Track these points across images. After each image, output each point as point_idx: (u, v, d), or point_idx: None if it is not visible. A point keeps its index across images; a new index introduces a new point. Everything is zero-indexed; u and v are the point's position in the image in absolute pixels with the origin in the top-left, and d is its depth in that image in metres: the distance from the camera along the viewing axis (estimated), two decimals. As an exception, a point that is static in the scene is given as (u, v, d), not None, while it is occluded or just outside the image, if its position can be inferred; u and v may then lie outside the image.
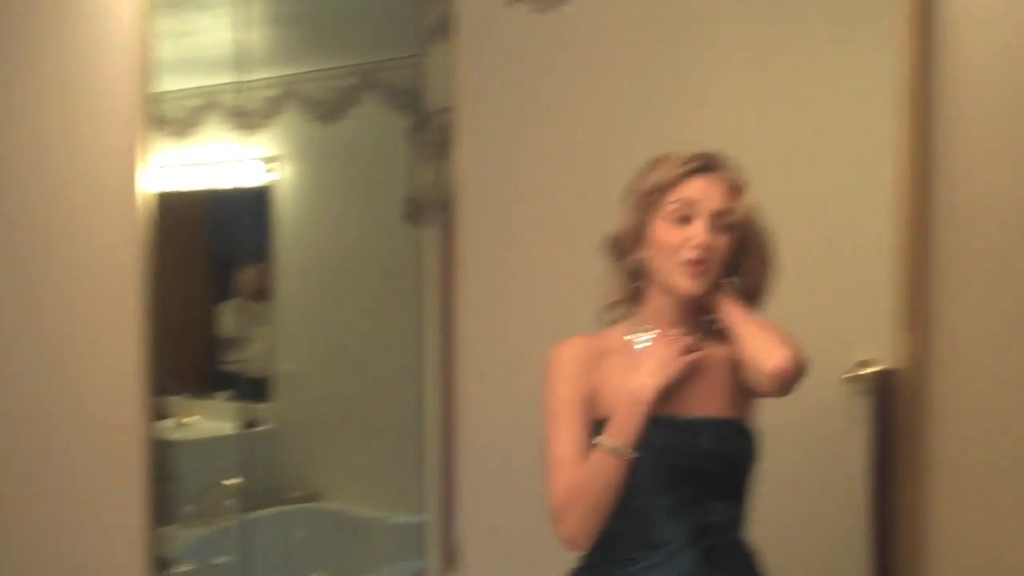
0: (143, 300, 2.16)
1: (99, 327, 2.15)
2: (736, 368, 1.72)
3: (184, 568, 2.67)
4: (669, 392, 1.69)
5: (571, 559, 1.72)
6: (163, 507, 2.47)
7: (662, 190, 1.71)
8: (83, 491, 2.14)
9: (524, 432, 1.84)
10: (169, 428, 2.60)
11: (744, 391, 1.73)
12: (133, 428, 2.09)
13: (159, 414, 2.43)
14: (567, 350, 1.78)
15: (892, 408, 1.96)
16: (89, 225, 2.14)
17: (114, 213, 2.13)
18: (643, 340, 1.75)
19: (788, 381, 1.63)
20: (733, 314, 1.71)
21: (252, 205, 3.11)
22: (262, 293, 3.14)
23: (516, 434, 2.23)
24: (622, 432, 1.67)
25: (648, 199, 1.73)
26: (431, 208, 2.69)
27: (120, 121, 2.16)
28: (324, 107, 2.98)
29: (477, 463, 2.37)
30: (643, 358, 1.72)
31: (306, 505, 3.07)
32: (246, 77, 2.85)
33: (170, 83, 2.52)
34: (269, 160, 3.12)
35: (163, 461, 2.44)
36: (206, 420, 2.96)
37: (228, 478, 2.87)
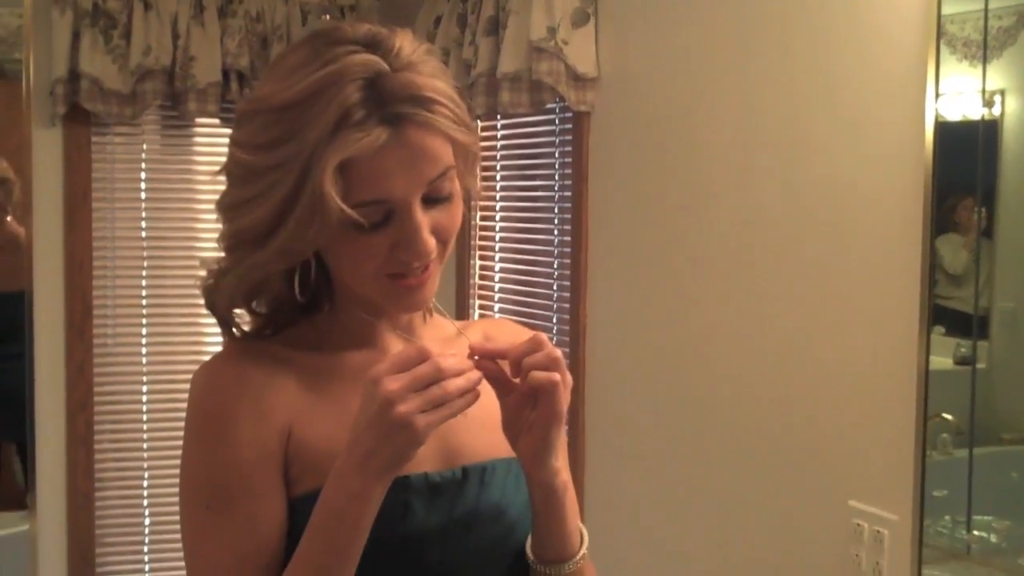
0: (923, 229, 2.24)
1: (879, 254, 2.23)
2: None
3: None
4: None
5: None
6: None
7: (318, 173, 1.10)
8: (851, 424, 2.26)
9: None
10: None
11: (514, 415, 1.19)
12: (907, 360, 2.15)
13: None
14: (220, 377, 1.21)
15: None
16: (872, 153, 2.21)
17: (898, 143, 2.20)
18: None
19: None
20: (559, 465, 1.20)
21: (978, 139, 3.02)
22: (984, 230, 3.06)
23: None
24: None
25: (298, 176, 1.12)
26: None
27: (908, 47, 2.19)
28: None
29: None
30: (368, 400, 1.07)
31: (1021, 447, 2.97)
32: (977, 7, 2.77)
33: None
34: (994, 92, 3.00)
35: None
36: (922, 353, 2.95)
37: (942, 412, 2.88)
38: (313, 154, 1.10)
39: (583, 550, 1.27)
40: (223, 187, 1.23)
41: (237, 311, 1.28)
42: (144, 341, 3.73)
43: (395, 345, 1.29)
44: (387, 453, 1.07)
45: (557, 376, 1.14)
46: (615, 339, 2.99)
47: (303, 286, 1.23)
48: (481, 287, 3.70)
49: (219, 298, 1.25)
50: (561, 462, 1.21)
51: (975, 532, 2.61)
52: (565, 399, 1.15)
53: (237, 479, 1.17)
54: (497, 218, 3.61)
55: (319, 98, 1.11)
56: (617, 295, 2.97)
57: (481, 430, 1.26)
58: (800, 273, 2.34)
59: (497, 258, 3.60)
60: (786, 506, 2.37)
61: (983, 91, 2.90)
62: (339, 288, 1.27)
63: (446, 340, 1.32)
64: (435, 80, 1.15)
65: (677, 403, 2.73)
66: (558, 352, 1.16)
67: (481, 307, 3.70)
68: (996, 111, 2.81)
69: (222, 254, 1.23)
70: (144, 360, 3.72)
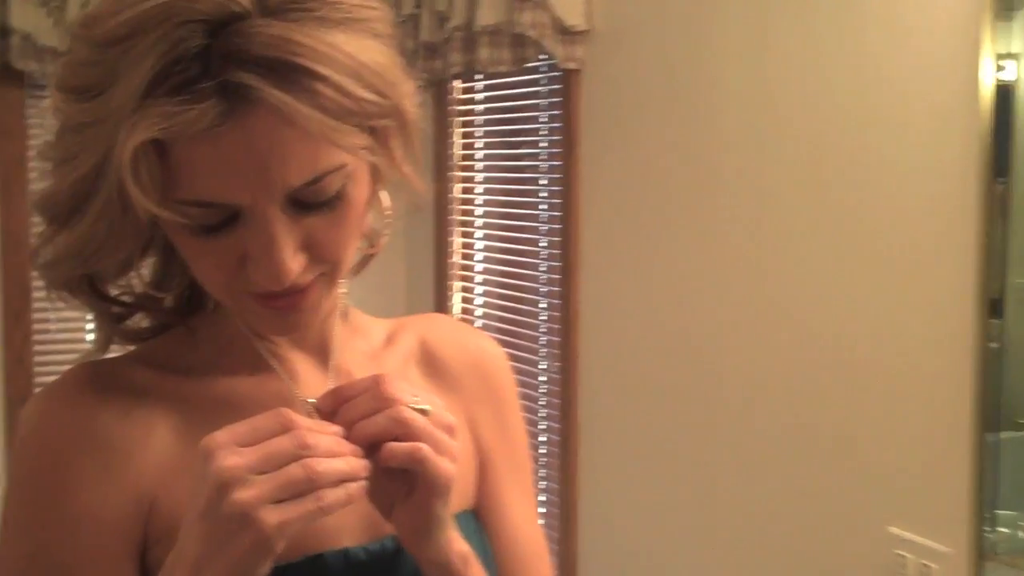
0: (980, 198, 1.95)
1: (927, 234, 1.99)
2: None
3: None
4: None
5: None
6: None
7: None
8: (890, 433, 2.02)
9: None
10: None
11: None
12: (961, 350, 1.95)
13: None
14: (55, 419, 0.89)
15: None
16: (924, 120, 1.97)
17: (951, 109, 1.95)
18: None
19: None
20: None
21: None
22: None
23: None
24: None
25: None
26: None
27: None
28: None
29: None
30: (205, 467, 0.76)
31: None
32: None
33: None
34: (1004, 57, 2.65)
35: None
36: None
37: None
38: (117, 123, 0.76)
39: None
40: None
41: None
42: (90, 327, 3.37)
43: (303, 366, 0.96)
44: (224, 562, 0.74)
45: (421, 448, 0.82)
46: (612, 328, 2.75)
47: (161, 275, 0.93)
48: (462, 267, 3.38)
49: (55, 275, 0.90)
50: (451, 530, 0.88)
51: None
52: (441, 465, 0.83)
53: (70, 560, 0.86)
54: (478, 191, 3.31)
55: (141, 39, 0.75)
56: (614, 277, 2.74)
57: None
58: (828, 256, 2.12)
59: (479, 235, 3.28)
60: (809, 531, 2.17)
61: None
62: None
63: (373, 355, 1.00)
64: (329, 37, 0.77)
65: (682, 403, 2.51)
66: (402, 411, 0.82)
67: (463, 290, 3.38)
68: (1009, 76, 2.47)
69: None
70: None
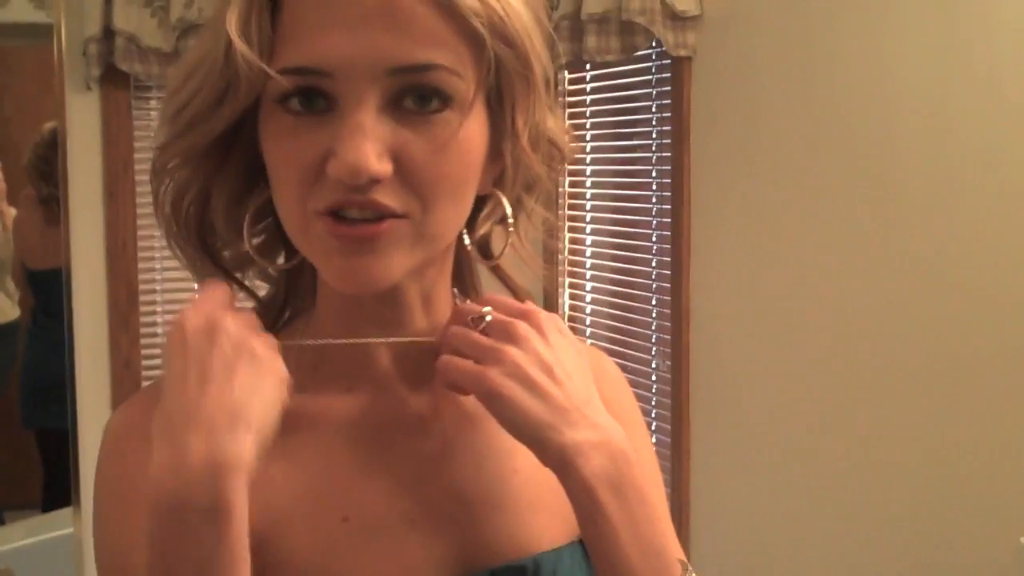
0: None
1: None
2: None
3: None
4: None
5: None
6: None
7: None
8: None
9: None
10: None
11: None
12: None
13: None
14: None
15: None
16: None
17: None
18: None
19: None
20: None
21: None
22: None
23: None
24: None
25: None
26: None
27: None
28: None
29: None
30: None
31: None
32: None
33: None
34: None
35: None
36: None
37: None
38: None
39: None
40: None
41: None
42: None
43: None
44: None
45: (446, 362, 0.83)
46: (725, 324, 2.63)
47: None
48: (572, 264, 3.28)
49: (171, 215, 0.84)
50: (574, 434, 0.79)
51: None
52: (471, 373, 0.80)
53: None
54: (588, 184, 3.20)
55: None
56: (726, 272, 2.62)
57: (522, 515, 0.86)
58: (959, 250, 2.00)
59: (588, 230, 3.18)
60: (935, 540, 2.04)
61: None
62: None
63: None
64: None
65: (799, 403, 2.39)
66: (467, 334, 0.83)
67: (572, 287, 3.28)
68: None
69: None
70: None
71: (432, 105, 0.74)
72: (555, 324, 0.85)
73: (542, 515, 0.86)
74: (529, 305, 0.85)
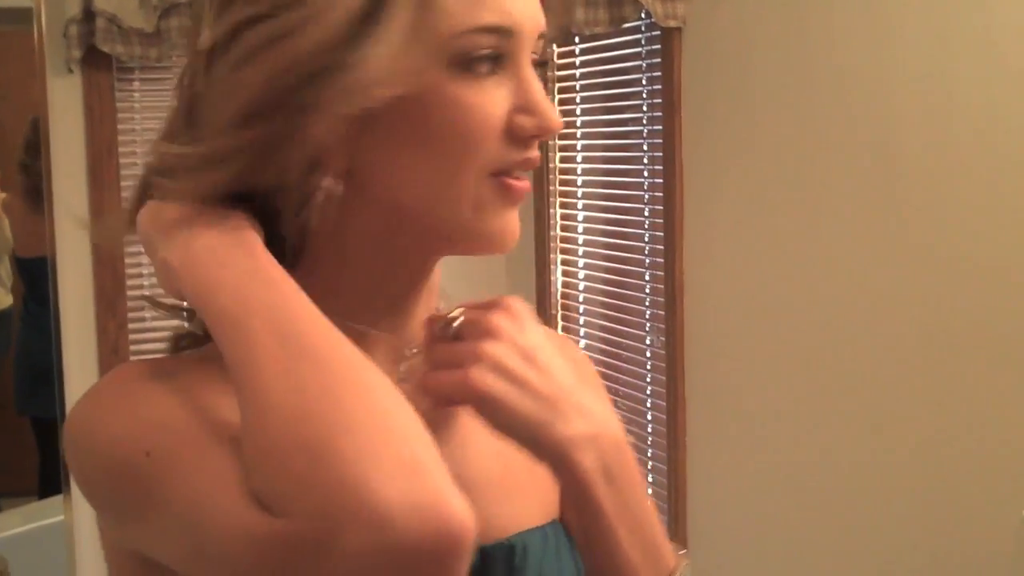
0: None
1: None
2: None
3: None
4: None
5: None
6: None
7: None
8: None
9: None
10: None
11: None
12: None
13: None
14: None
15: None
16: None
17: None
18: None
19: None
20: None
21: None
22: None
23: None
24: None
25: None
26: None
27: None
28: None
29: None
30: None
31: None
32: None
33: None
34: None
35: None
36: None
37: None
38: None
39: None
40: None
41: None
42: (186, 315, 3.31)
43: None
44: None
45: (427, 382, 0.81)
46: (719, 300, 2.62)
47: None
48: (563, 240, 3.25)
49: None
50: (567, 428, 0.79)
51: None
52: (453, 382, 0.79)
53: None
54: (579, 159, 3.18)
55: None
56: (720, 247, 2.60)
57: (505, 496, 0.88)
58: (955, 232, 1.98)
59: (580, 206, 3.15)
60: (937, 516, 2.04)
61: None
62: (329, 259, 0.83)
63: None
64: None
65: (798, 380, 2.37)
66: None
67: (564, 263, 3.25)
68: None
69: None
70: (186, 335, 3.33)
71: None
72: (526, 310, 0.84)
73: (523, 495, 0.88)
74: (497, 297, 0.84)
